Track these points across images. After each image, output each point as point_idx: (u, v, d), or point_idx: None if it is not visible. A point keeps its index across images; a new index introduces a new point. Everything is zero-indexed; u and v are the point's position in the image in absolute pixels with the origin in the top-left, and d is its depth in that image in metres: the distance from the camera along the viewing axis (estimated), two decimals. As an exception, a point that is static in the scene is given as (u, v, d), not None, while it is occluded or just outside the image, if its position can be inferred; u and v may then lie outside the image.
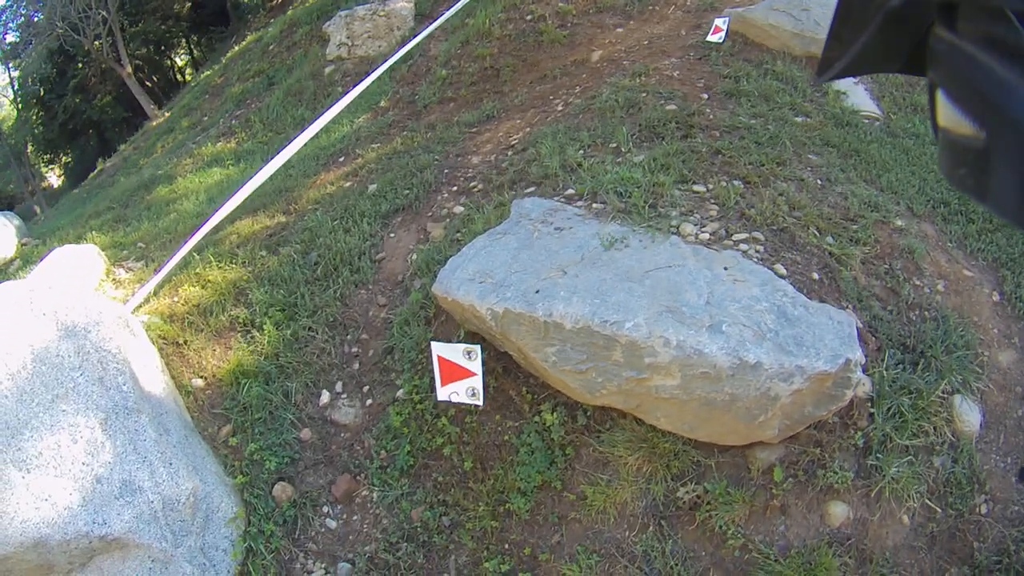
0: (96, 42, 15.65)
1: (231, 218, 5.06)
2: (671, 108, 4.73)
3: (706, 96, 5.05)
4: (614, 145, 4.37)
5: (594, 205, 3.63)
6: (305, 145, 5.15)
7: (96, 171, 13.84)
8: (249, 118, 9.13)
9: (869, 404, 2.96)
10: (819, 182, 3.96)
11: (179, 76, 22.71)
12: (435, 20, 7.78)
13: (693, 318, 2.63)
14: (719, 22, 6.32)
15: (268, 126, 8.74)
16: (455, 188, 4.85)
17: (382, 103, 7.62)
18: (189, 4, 21.00)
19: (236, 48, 13.05)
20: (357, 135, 6.86)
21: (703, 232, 3.28)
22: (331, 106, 5.29)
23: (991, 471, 3.14)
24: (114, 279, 4.99)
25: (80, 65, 18.41)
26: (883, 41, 0.71)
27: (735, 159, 3.98)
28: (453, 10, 7.76)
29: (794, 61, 5.70)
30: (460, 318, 3.37)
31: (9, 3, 18.35)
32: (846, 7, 0.75)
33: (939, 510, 2.96)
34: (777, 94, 5.01)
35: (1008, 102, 0.54)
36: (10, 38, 19.20)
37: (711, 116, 4.59)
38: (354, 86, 5.66)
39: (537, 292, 2.92)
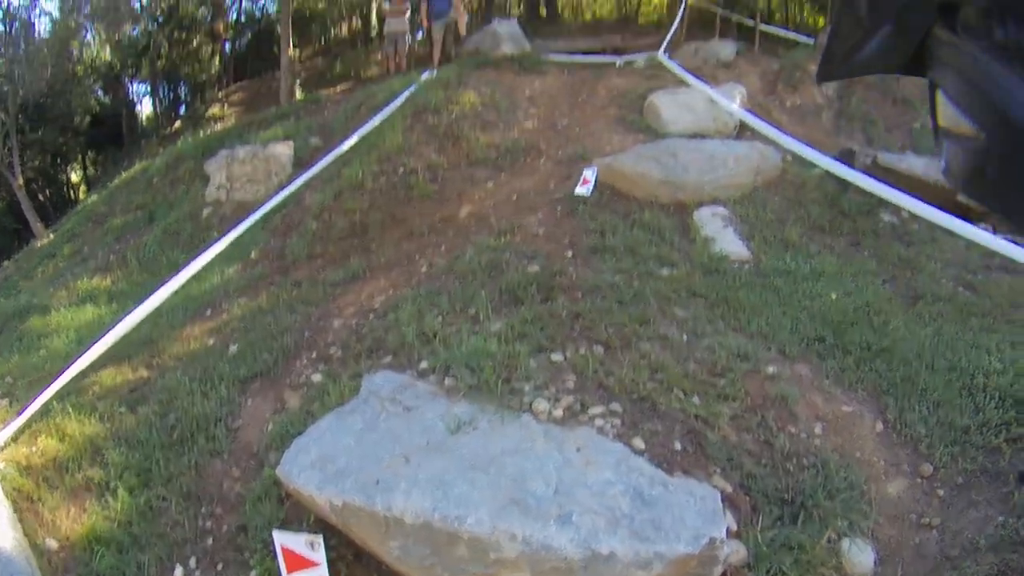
0: (-10, 142, 16.20)
1: (96, 365, 5.37)
2: (533, 270, 5.38)
3: (570, 254, 5.77)
4: (473, 312, 4.90)
5: (446, 380, 4.05)
6: (175, 293, 5.69)
7: (-24, 281, 14.14)
8: (126, 255, 9.62)
9: (747, 569, 3.31)
10: (685, 338, 4.56)
11: (72, 194, 24.02)
12: (311, 168, 8.61)
13: (540, 509, 2.97)
14: (587, 173, 7.23)
15: (144, 266, 9.25)
16: (314, 354, 5.24)
17: (253, 254, 8.20)
18: (89, 118, 22.56)
19: (123, 175, 13.85)
20: (226, 287, 7.35)
21: (557, 408, 3.72)
22: (199, 255, 6.05)
23: (895, 605, 3.49)
24: (-26, 412, 5.14)
25: (-29, 163, 19.05)
26: (883, 42, 0.83)
27: (596, 322, 4.55)
28: (327, 159, 8.58)
29: (662, 209, 6.60)
30: (306, 504, 3.61)
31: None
32: (846, 9, 0.88)
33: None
34: (643, 246, 5.77)
35: (1008, 102, 0.62)
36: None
37: (574, 276, 5.24)
38: (224, 233, 6.50)
39: (377, 483, 3.21)
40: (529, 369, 4.05)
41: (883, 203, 6.85)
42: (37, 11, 19.45)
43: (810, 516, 3.51)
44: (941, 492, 3.93)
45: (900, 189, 6.34)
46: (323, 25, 25.37)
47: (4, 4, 17.68)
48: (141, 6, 21.52)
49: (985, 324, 5.25)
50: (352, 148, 8.94)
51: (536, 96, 10.91)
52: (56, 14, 20.63)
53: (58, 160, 22.97)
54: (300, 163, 10.05)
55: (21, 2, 18.57)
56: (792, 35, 16.12)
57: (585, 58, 13.57)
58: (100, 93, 24.05)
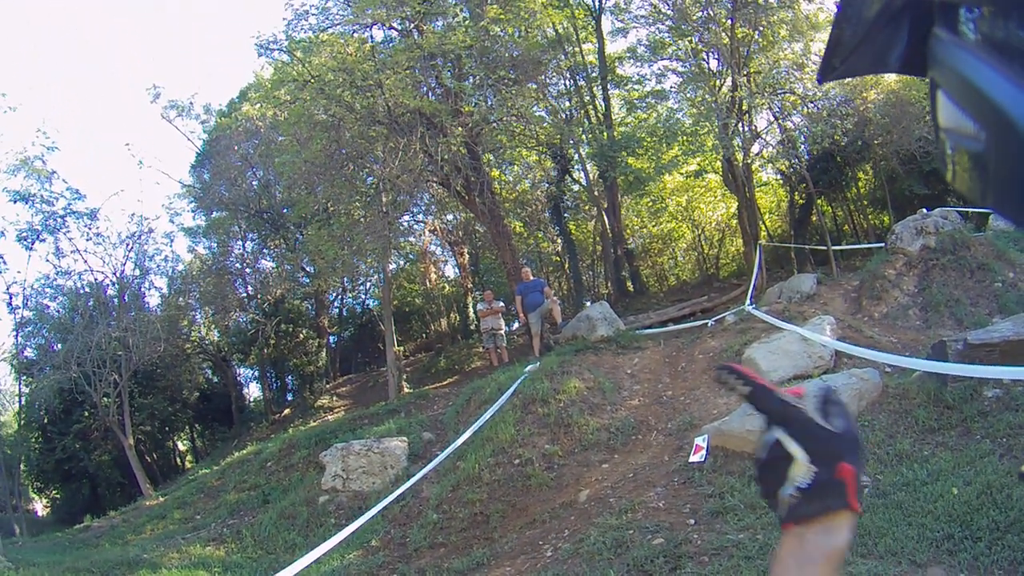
0: (104, 399, 17.57)
1: None
2: (658, 542, 5.96)
3: (692, 521, 6.37)
4: None
5: None
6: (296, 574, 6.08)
7: (83, 525, 15.03)
8: (241, 530, 10.23)
9: None
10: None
11: (179, 461, 25.90)
12: (429, 462, 9.36)
13: None
14: (698, 441, 7.95)
15: (259, 543, 9.78)
16: None
17: (373, 542, 8.75)
18: (197, 394, 24.92)
19: (236, 454, 14.78)
20: (347, 571, 7.81)
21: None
22: (323, 543, 6.43)
23: None
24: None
25: (87, 414, 20.44)
26: (883, 41, 0.87)
27: (726, 581, 5.11)
28: (444, 454, 9.34)
29: (776, 459, 7.19)
30: None
31: (34, 317, 20.74)
32: (847, 9, 0.91)
33: None
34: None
35: (1009, 102, 0.65)
36: (28, 352, 21.77)
37: (699, 542, 5.82)
38: (347, 524, 6.98)
39: None
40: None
41: (986, 381, 7.33)
42: (147, 284, 22.27)
43: None
44: None
45: (997, 362, 6.84)
46: (422, 320, 27.59)
47: (117, 274, 20.22)
48: (248, 296, 24.00)
49: (1113, 465, 5.45)
50: (466, 442, 9.63)
51: (637, 372, 11.77)
52: (166, 290, 23.44)
53: (166, 427, 24.85)
54: (415, 457, 10.93)
55: (134, 273, 20.91)
56: (864, 246, 16.97)
57: (677, 326, 14.62)
58: (209, 372, 26.71)
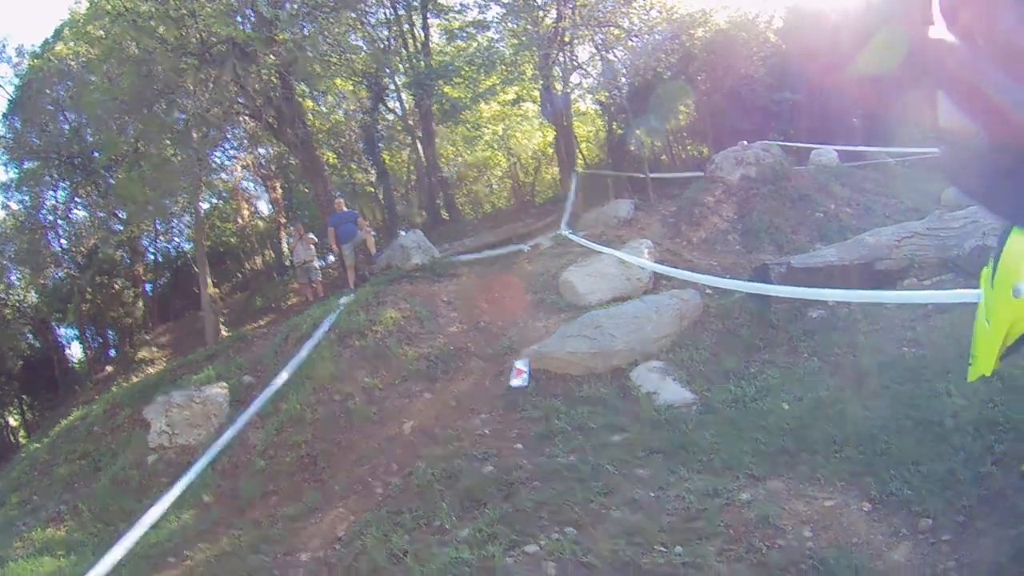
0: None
1: None
2: (488, 470, 5.73)
3: (521, 446, 6.15)
4: (437, 523, 5.16)
5: None
6: (135, 543, 5.88)
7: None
8: (78, 505, 9.61)
9: None
10: (652, 495, 4.89)
11: (12, 438, 25.13)
12: (249, 407, 9.05)
13: None
14: (519, 364, 7.77)
15: (97, 516, 9.21)
16: None
17: (206, 498, 8.27)
18: (21, 363, 24.09)
19: (63, 423, 14.01)
20: (184, 533, 7.36)
21: (544, 600, 3.94)
22: (153, 504, 6.46)
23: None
24: None
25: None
26: (884, 42, 1.23)
27: (561, 505, 4.86)
28: (263, 398, 9.04)
29: (599, 379, 7.13)
30: None
31: None
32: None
33: None
34: (590, 420, 6.22)
35: (1008, 103, 0.66)
36: None
37: (529, 467, 5.60)
38: (176, 481, 6.91)
39: None
40: (507, 567, 4.29)
41: (809, 302, 7.51)
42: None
43: (827, 615, 3.72)
44: (947, 537, 4.19)
45: (820, 284, 7.02)
46: (237, 259, 26.88)
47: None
48: (62, 249, 23.08)
49: (937, 371, 5.71)
50: (286, 382, 9.43)
51: (454, 300, 11.68)
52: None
53: (-5, 404, 23.59)
54: (237, 402, 10.44)
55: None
56: (683, 174, 17.60)
57: (493, 252, 14.61)
58: (30, 337, 25.36)
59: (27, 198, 24.03)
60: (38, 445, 14.19)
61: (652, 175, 17.57)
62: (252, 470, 8.53)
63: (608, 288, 10.02)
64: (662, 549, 4.25)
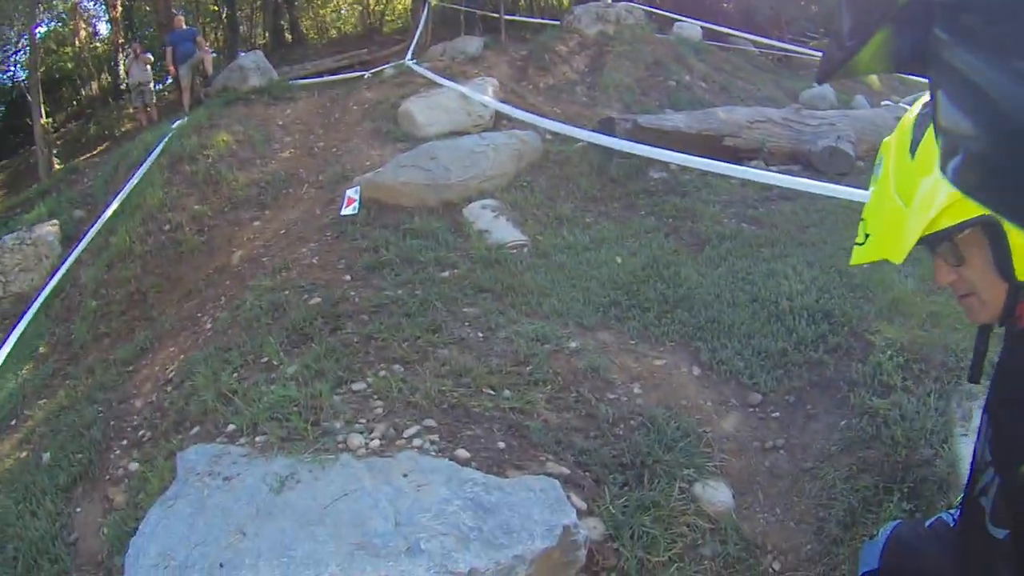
0: None
1: None
2: (315, 302, 5.34)
3: (349, 277, 5.78)
4: (265, 360, 4.79)
5: (257, 439, 3.88)
6: None
7: None
8: None
9: (610, 542, 3.41)
10: (481, 335, 4.67)
11: None
12: (77, 245, 8.76)
13: (388, 547, 2.91)
14: (351, 193, 7.30)
15: None
16: (125, 441, 5.00)
17: (41, 348, 7.85)
18: None
19: None
20: (23, 391, 6.94)
21: (372, 439, 3.67)
22: None
23: (766, 529, 3.69)
24: None
25: None
26: (884, 42, 0.87)
27: (388, 341, 4.56)
28: (91, 231, 8.70)
29: (432, 213, 6.80)
30: None
31: None
32: (851, 11, 0.92)
33: (730, 595, 3.44)
34: (420, 254, 5.90)
35: (1008, 102, 0.65)
36: None
37: (357, 299, 5.25)
38: (8, 334, 6.92)
39: (222, 566, 3.01)
40: (335, 405, 3.99)
41: (651, 162, 7.42)
42: None
43: (655, 473, 3.66)
44: (776, 414, 4.27)
45: (665, 147, 6.90)
46: (73, 86, 25.08)
47: None
48: None
49: (777, 252, 5.79)
50: (116, 213, 9.07)
51: (289, 124, 11.15)
52: None
53: None
54: (68, 240, 9.83)
55: None
56: (538, 21, 17.08)
57: (334, 77, 14.10)
58: None
59: None
60: None
61: (507, 16, 16.91)
62: (84, 312, 8.04)
63: (447, 121, 9.66)
64: (490, 392, 4.06)
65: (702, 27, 14.91)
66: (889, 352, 4.26)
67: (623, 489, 3.60)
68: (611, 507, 3.46)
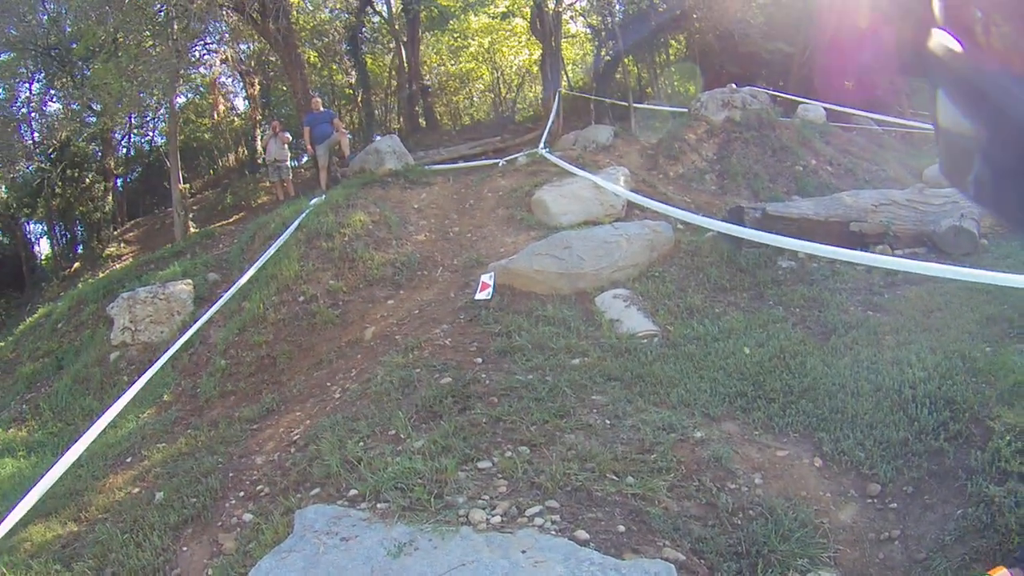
0: None
1: (24, 521, 5.41)
2: (446, 381, 5.58)
3: (480, 360, 6.00)
4: (393, 432, 5.04)
5: (378, 505, 4.11)
6: (93, 442, 6.10)
7: None
8: (39, 404, 9.74)
9: None
10: (608, 422, 4.78)
11: None
12: (212, 306, 9.12)
13: None
14: (485, 278, 7.60)
15: (57, 415, 9.33)
16: (242, 493, 5.28)
17: (165, 396, 8.32)
18: None
19: (28, 320, 14.19)
20: (142, 432, 7.38)
21: (494, 515, 3.83)
22: (113, 402, 6.55)
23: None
24: None
25: None
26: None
27: (517, 423, 4.74)
28: (227, 295, 9.09)
29: (564, 301, 6.99)
30: None
31: None
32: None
33: None
34: (551, 340, 6.08)
35: (1008, 103, 0.65)
36: None
37: (487, 381, 5.46)
38: (134, 380, 7.06)
39: None
40: (459, 481, 4.17)
41: (780, 251, 7.41)
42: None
43: (769, 562, 3.67)
44: (894, 505, 4.19)
45: (792, 235, 6.92)
46: (210, 156, 26.23)
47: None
48: (34, 143, 22.27)
49: (901, 339, 5.67)
50: (251, 280, 9.45)
51: (425, 208, 11.50)
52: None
53: (-40, 305, 23.56)
54: (201, 300, 10.42)
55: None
56: (667, 109, 17.29)
57: (468, 164, 14.45)
58: None
59: (1, 90, 22.74)
60: (2, 344, 14.15)
61: (636, 104, 17.14)
62: (212, 369, 8.49)
63: (580, 211, 9.86)
64: (614, 477, 4.16)
65: (825, 108, 14.75)
66: (1008, 437, 4.16)
67: (736, 578, 3.63)
68: (722, 594, 3.50)
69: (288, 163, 16.50)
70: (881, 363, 5.30)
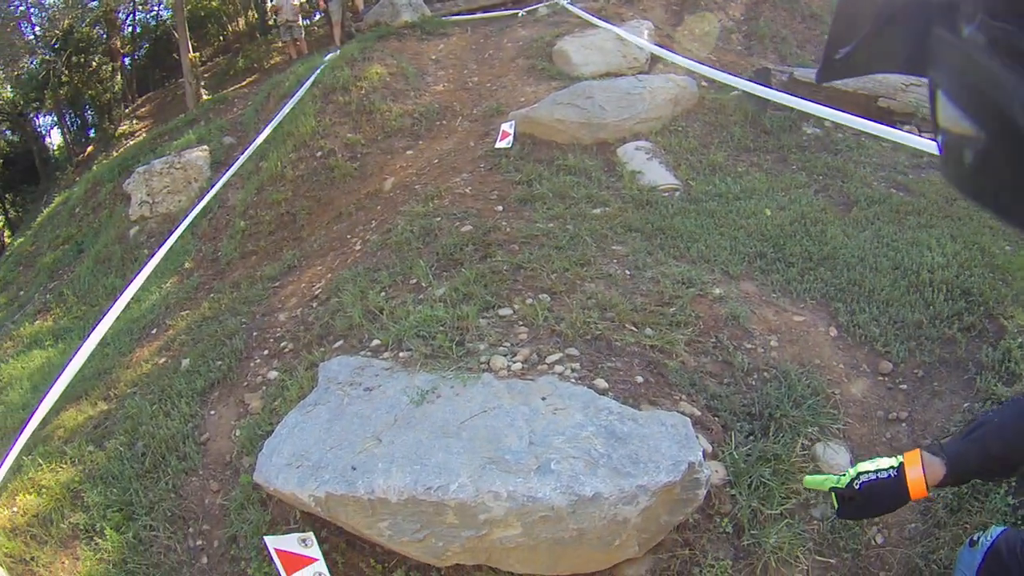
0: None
1: (56, 409, 5.47)
2: (467, 229, 5.50)
3: (501, 208, 5.90)
4: (414, 281, 5.01)
5: (401, 354, 4.11)
6: (117, 319, 6.05)
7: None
8: (63, 291, 9.91)
9: (728, 487, 3.48)
10: (628, 272, 4.72)
11: None
12: (229, 168, 9.06)
13: (519, 464, 3.05)
14: (505, 127, 7.39)
15: (81, 299, 9.50)
16: (266, 351, 5.32)
17: (187, 264, 8.43)
18: (0, 161, 24.25)
19: (45, 211, 14.36)
20: (166, 302, 7.50)
21: (515, 362, 3.82)
22: (135, 277, 6.52)
23: (876, 498, 3.71)
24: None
25: None
26: (883, 42, 0.86)
27: (538, 271, 4.68)
28: (244, 156, 9.00)
29: (585, 151, 6.79)
30: (289, 503, 3.64)
31: None
32: (846, 9, 0.93)
33: (832, 559, 3.47)
34: (572, 189, 5.95)
35: (1009, 103, 0.63)
36: None
37: (508, 230, 5.37)
38: (155, 251, 7.01)
39: (354, 469, 3.25)
40: (480, 328, 4.14)
41: (805, 117, 7.17)
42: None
43: (780, 427, 3.70)
44: (904, 387, 4.19)
45: (820, 102, 6.65)
46: (219, 23, 25.39)
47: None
48: (36, 36, 21.83)
49: (923, 221, 5.56)
50: (267, 140, 9.33)
51: (443, 59, 11.18)
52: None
53: (-23, 208, 23.51)
54: (217, 165, 10.36)
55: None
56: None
57: (486, 14, 13.86)
58: (8, 133, 25.41)
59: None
60: (22, 240, 14.16)
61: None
62: (232, 231, 8.50)
63: (603, 62, 9.49)
64: (633, 328, 4.13)
65: (863, -19, 13.91)
66: (1020, 339, 4.14)
67: (748, 438, 3.66)
68: (735, 453, 3.52)
69: (300, 23, 16.01)
70: (901, 242, 5.21)
